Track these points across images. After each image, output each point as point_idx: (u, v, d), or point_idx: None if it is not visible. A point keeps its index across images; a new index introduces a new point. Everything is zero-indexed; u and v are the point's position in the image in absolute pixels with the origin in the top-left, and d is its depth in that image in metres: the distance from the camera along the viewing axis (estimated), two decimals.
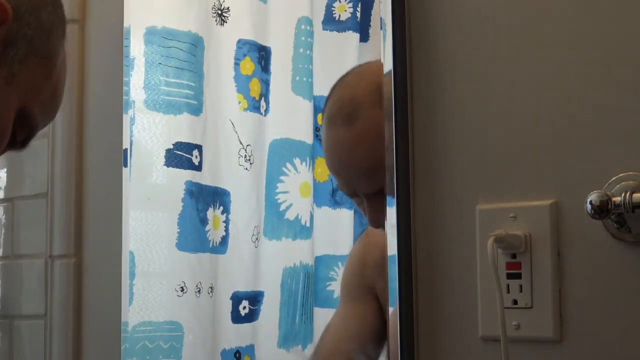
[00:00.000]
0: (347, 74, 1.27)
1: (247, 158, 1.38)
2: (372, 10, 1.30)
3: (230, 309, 1.37)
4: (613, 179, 0.98)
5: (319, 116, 1.33)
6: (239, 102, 1.39)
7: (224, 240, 1.38)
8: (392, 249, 1.11)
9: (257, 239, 1.37)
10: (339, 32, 1.34)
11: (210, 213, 1.38)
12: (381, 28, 1.14)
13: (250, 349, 1.37)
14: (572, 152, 1.01)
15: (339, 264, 1.32)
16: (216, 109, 1.40)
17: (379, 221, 1.20)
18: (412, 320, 1.10)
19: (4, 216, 1.58)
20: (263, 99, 1.39)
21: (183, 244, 1.37)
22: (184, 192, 1.37)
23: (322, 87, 1.31)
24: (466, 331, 1.07)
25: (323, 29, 1.35)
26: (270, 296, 1.37)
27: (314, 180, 1.34)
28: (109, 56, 1.45)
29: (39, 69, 0.90)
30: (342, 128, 1.23)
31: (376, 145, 1.15)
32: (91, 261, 1.46)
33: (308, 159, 1.35)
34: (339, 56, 1.34)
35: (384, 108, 1.13)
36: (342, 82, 1.26)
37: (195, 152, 1.39)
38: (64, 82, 0.96)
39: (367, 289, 1.25)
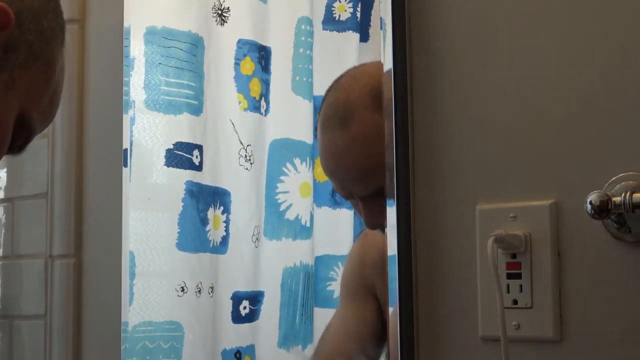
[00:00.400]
0: (342, 76, 1.27)
1: (248, 158, 1.38)
2: (372, 10, 1.30)
3: (231, 309, 1.37)
4: (613, 179, 0.98)
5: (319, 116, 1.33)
6: (239, 102, 1.39)
7: (225, 240, 1.38)
8: (392, 249, 1.11)
9: (257, 239, 1.37)
10: (339, 32, 1.34)
11: (210, 213, 1.38)
12: (381, 28, 1.14)
13: (251, 349, 1.37)
14: (572, 152, 1.01)
15: (339, 264, 1.32)
16: (216, 109, 1.40)
17: (374, 223, 1.20)
18: (412, 320, 1.10)
19: (4, 216, 1.58)
20: (263, 99, 1.39)
21: (183, 244, 1.37)
22: (184, 192, 1.37)
23: (322, 87, 1.31)
24: (466, 331, 1.07)
25: (323, 29, 1.36)
26: (270, 296, 1.37)
27: (314, 180, 1.35)
28: (109, 56, 1.45)
29: (39, 75, 0.91)
30: (336, 131, 1.23)
31: (371, 148, 1.15)
32: (91, 261, 1.46)
33: (308, 159, 1.35)
34: (339, 56, 1.34)
35: (384, 107, 1.13)
36: (336, 85, 1.26)
37: (196, 152, 1.39)
38: (62, 88, 0.97)
39: (366, 289, 1.25)
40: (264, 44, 1.39)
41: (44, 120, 0.95)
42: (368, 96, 1.19)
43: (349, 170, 1.22)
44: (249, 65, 1.39)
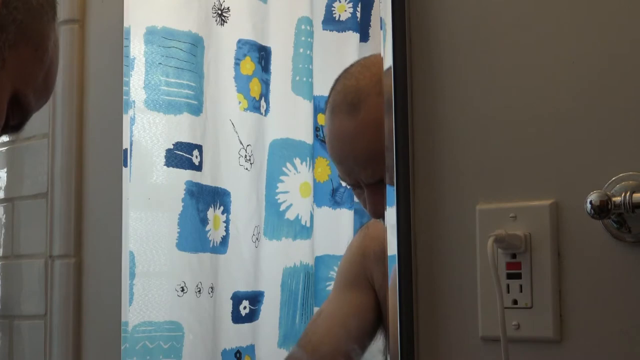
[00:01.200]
0: (352, 65, 1.27)
1: (248, 158, 1.38)
2: (372, 10, 1.30)
3: (231, 309, 1.37)
4: (613, 179, 0.98)
5: (319, 116, 1.33)
6: (239, 102, 1.39)
7: (225, 240, 1.38)
8: (392, 248, 1.11)
9: (257, 239, 1.37)
10: (339, 32, 1.34)
11: (210, 213, 1.38)
12: (381, 28, 1.14)
13: (251, 349, 1.37)
14: (572, 152, 1.01)
15: (339, 264, 1.32)
16: (216, 109, 1.40)
17: (379, 211, 1.20)
18: (412, 320, 1.10)
19: (4, 216, 1.58)
20: (263, 99, 1.39)
21: (183, 244, 1.38)
22: (184, 192, 1.37)
23: (322, 87, 1.31)
24: (466, 331, 1.07)
25: (323, 29, 1.36)
26: (270, 296, 1.37)
27: (314, 180, 1.34)
28: (109, 56, 1.45)
29: (30, 53, 0.90)
30: (345, 116, 1.23)
31: (379, 135, 1.14)
32: (91, 261, 1.46)
33: (308, 159, 1.35)
34: (339, 56, 1.34)
35: (384, 107, 1.13)
36: (346, 73, 1.26)
37: (196, 152, 1.39)
38: (57, 64, 0.95)
39: (365, 280, 1.24)
40: (264, 44, 1.39)
41: (40, 99, 0.94)
42: (378, 84, 1.18)
43: (357, 156, 1.22)
44: (249, 65, 1.39)
